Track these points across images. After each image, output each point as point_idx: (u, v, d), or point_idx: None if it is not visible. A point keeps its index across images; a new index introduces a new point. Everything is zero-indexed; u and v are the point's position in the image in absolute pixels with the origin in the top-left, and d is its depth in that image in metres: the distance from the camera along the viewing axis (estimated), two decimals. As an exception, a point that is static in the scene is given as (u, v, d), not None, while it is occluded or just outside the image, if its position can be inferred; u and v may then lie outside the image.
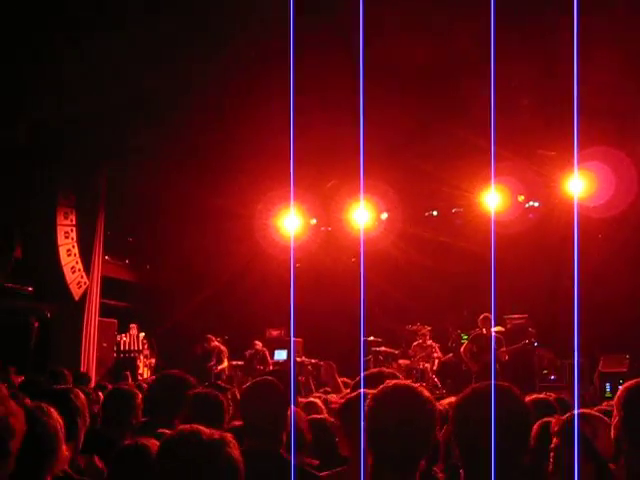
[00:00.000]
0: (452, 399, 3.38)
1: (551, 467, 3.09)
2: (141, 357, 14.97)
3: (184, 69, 10.22)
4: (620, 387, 2.96)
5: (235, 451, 2.20)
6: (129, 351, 14.98)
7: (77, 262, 13.65)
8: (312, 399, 6.06)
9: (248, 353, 14.65)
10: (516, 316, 13.79)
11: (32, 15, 8.96)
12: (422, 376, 13.35)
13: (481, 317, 12.36)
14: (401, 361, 14.06)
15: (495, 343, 12.00)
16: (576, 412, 3.54)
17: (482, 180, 13.52)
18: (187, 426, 2.27)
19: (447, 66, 10.24)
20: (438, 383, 13.42)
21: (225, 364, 14.40)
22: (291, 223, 15.06)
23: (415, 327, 14.22)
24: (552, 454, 3.13)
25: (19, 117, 11.51)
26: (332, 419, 4.36)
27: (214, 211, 14.86)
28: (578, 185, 12.30)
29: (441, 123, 11.57)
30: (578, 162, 11.85)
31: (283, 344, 15.03)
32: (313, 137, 10.40)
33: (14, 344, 12.06)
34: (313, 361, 14.17)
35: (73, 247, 13.62)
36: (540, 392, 7.70)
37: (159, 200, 14.65)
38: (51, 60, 9.83)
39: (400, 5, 8.91)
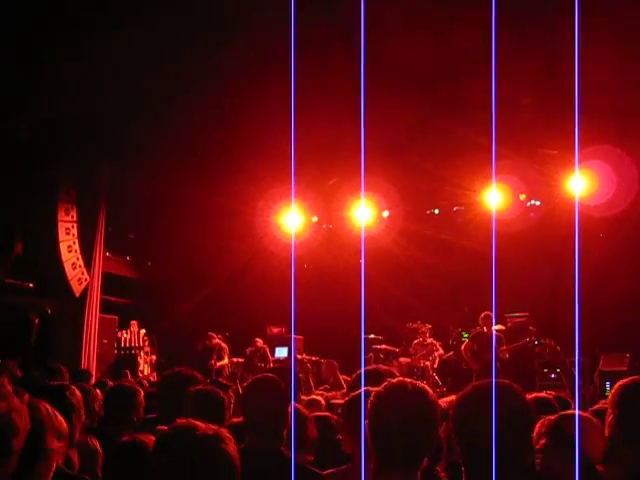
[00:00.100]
0: (453, 397, 3.39)
1: (539, 468, 3.08)
2: (141, 354, 14.98)
3: (184, 68, 10.22)
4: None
5: (230, 447, 2.19)
6: (130, 348, 15.00)
7: (78, 258, 13.66)
8: (314, 396, 6.07)
9: (249, 350, 14.65)
10: (517, 314, 13.80)
11: (32, 14, 8.96)
12: (423, 374, 13.36)
13: (482, 315, 12.36)
14: (402, 359, 14.07)
15: (496, 341, 12.01)
16: (577, 411, 3.54)
17: (483, 178, 13.52)
18: (183, 421, 2.25)
19: (448, 64, 10.24)
20: (439, 381, 13.43)
21: (225, 361, 14.41)
22: (292, 221, 15.06)
23: (416, 325, 14.22)
24: (540, 455, 3.13)
25: (20, 113, 11.51)
26: (334, 417, 4.37)
27: (215, 208, 14.86)
28: (579, 184, 12.29)
29: (442, 121, 11.57)
30: (579, 161, 11.85)
31: (284, 341, 15.03)
32: (314, 135, 10.40)
33: (15, 340, 12.07)
34: (314, 358, 14.18)
35: (74, 243, 13.63)
36: (540, 391, 7.71)
37: (160, 197, 14.64)
38: (51, 59, 9.83)
39: (401, 3, 8.90)
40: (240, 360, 14.89)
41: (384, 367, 4.06)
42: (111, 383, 6.99)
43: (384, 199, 14.84)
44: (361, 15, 4.79)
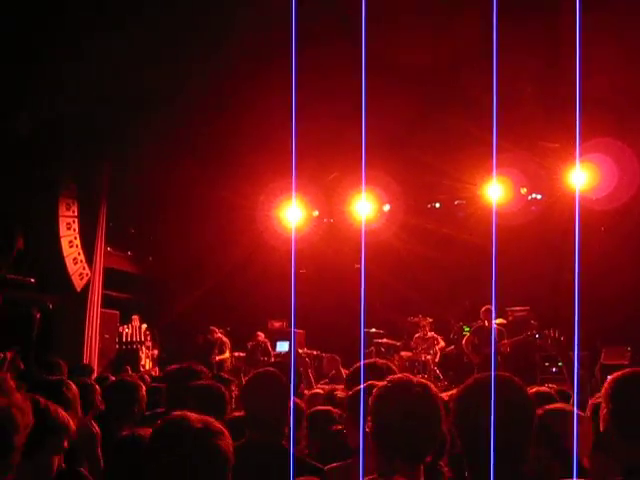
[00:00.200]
0: (454, 391, 3.39)
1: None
2: (143, 348, 14.99)
3: (184, 64, 10.21)
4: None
5: (222, 440, 2.17)
6: (131, 342, 15.00)
7: (79, 253, 13.67)
8: (317, 390, 6.07)
9: (250, 344, 14.67)
10: (518, 308, 13.80)
11: (32, 14, 8.96)
12: (424, 368, 13.37)
13: (483, 309, 12.37)
14: (403, 353, 14.08)
15: (497, 335, 12.01)
16: (575, 406, 3.53)
17: (484, 172, 13.51)
18: (177, 414, 2.24)
19: (449, 58, 10.22)
20: (440, 375, 13.45)
21: (226, 355, 14.42)
22: (293, 215, 15.06)
23: (417, 319, 14.23)
24: None
25: (21, 112, 11.51)
26: (338, 411, 4.37)
27: (216, 203, 14.85)
28: (580, 177, 12.27)
29: (443, 115, 11.56)
30: (580, 154, 11.83)
31: (285, 336, 15.04)
32: (314, 129, 10.38)
33: (16, 335, 12.07)
34: (315, 353, 14.19)
35: (75, 238, 13.64)
36: (541, 384, 7.71)
37: (161, 192, 14.64)
38: (51, 58, 9.82)
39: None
40: (242, 354, 14.91)
41: (382, 361, 4.07)
42: (113, 378, 6.99)
43: (385, 193, 14.83)
44: (362, 9, 4.77)
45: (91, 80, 10.33)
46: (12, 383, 2.29)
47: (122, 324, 14.97)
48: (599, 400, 3.30)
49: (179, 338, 15.47)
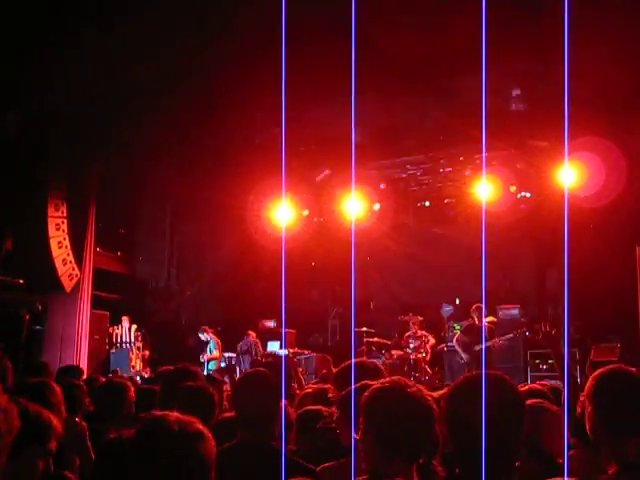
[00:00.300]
0: (445, 390, 3.39)
1: None
2: (133, 349, 14.94)
3: (173, 62, 10.19)
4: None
5: (202, 444, 2.12)
6: (121, 343, 14.96)
7: (68, 254, 13.61)
8: (308, 390, 6.05)
9: (241, 344, 14.65)
10: (508, 306, 13.84)
11: (19, 13, 8.91)
12: (415, 366, 13.38)
13: (473, 307, 12.39)
14: (394, 351, 14.08)
15: (487, 333, 12.03)
16: (566, 404, 3.53)
17: (474, 170, 13.54)
18: (156, 416, 2.20)
19: (439, 56, 10.23)
20: (431, 373, 13.46)
21: (216, 354, 14.41)
22: (283, 214, 15.04)
23: (407, 317, 14.24)
24: None
25: (9, 109, 11.46)
26: (328, 410, 4.36)
27: (205, 202, 14.83)
28: (569, 175, 12.32)
29: (433, 113, 11.58)
30: (569, 152, 11.88)
31: (276, 335, 15.02)
32: (304, 128, 10.39)
33: (5, 337, 12.02)
34: (306, 352, 14.18)
35: (64, 239, 13.58)
36: (532, 382, 7.74)
37: (150, 192, 14.62)
38: (40, 54, 9.78)
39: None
40: (232, 355, 14.89)
41: (369, 360, 4.08)
42: (103, 379, 6.96)
43: (375, 192, 14.84)
44: (352, 6, 4.77)
45: (80, 80, 10.30)
46: None
47: (112, 325, 14.92)
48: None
49: (169, 338, 15.44)
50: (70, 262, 13.62)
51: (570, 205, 10.01)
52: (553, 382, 6.33)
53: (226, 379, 8.01)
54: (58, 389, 3.91)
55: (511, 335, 12.30)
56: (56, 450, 2.93)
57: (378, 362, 4.54)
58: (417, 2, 9.06)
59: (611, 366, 2.89)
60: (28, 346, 12.50)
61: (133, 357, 14.78)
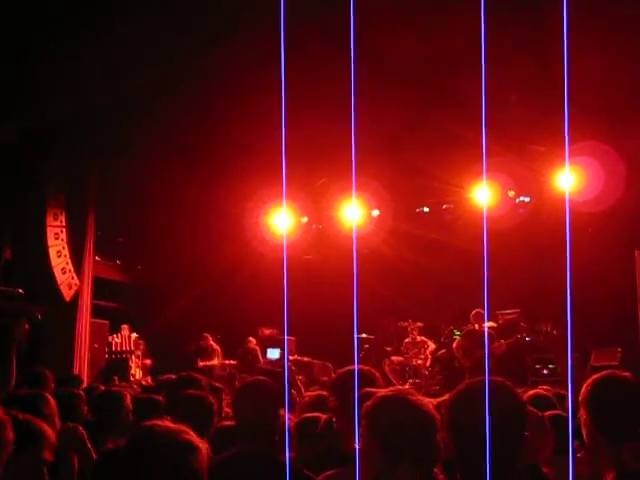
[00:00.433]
0: (446, 396, 3.37)
1: None
2: (133, 358, 14.91)
3: (172, 67, 10.18)
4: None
5: (193, 455, 2.07)
6: (121, 352, 14.93)
7: (67, 263, 13.59)
8: (307, 398, 6.03)
9: (241, 350, 14.65)
10: (508, 311, 13.82)
11: (18, 15, 8.90)
12: (415, 373, 13.37)
13: (473, 313, 12.39)
14: (394, 358, 14.07)
15: (487, 338, 12.02)
16: (570, 409, 3.51)
17: (472, 175, 13.53)
18: (146, 426, 2.16)
19: (437, 61, 10.23)
20: (431, 379, 13.44)
21: (215, 361, 14.39)
22: (282, 221, 15.03)
23: (406, 323, 14.24)
24: None
25: (7, 117, 11.45)
26: (329, 417, 4.33)
27: (204, 210, 14.82)
28: (569, 180, 12.32)
29: (431, 118, 11.57)
30: (568, 157, 11.87)
31: (275, 342, 15.00)
32: (303, 134, 10.36)
33: (5, 347, 11.98)
34: (306, 359, 14.16)
35: (63, 248, 13.56)
36: (533, 386, 7.71)
37: (149, 200, 14.60)
38: (40, 60, 9.77)
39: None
40: (232, 362, 14.86)
41: (366, 367, 4.06)
42: (102, 388, 6.95)
43: (373, 198, 14.83)
44: (350, 11, 4.76)
45: (78, 88, 10.28)
46: None
47: (112, 334, 14.89)
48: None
49: (169, 346, 15.40)
50: (69, 271, 13.60)
51: (569, 209, 10.01)
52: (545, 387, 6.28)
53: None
54: (52, 401, 3.89)
55: (512, 340, 12.29)
56: (52, 460, 2.91)
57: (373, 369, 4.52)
58: (416, 6, 9.05)
59: (605, 371, 2.89)
60: (27, 356, 12.46)
61: (133, 365, 14.76)
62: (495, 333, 12.48)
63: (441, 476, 2.79)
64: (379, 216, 15.11)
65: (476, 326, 12.26)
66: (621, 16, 8.96)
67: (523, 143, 12.90)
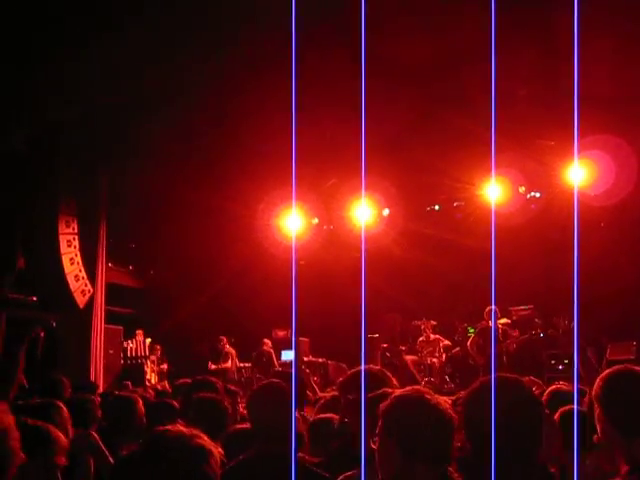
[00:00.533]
0: (461, 394, 3.36)
1: None
2: (148, 363, 14.96)
3: (183, 69, 10.19)
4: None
5: (205, 459, 2.05)
6: (136, 357, 14.98)
7: (80, 270, 13.64)
8: (322, 399, 6.03)
9: (255, 354, 14.66)
10: (522, 307, 13.77)
11: (27, 18, 8.92)
12: (430, 371, 13.34)
13: (487, 310, 12.35)
14: (408, 357, 14.04)
15: (502, 335, 11.98)
16: (575, 406, 3.49)
17: (483, 172, 13.49)
18: (159, 430, 2.14)
19: (446, 58, 10.19)
20: (447, 378, 13.41)
21: (228, 364, 14.42)
22: (293, 223, 15.04)
23: (419, 322, 14.21)
24: None
25: (17, 125, 11.50)
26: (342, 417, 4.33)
27: (216, 212, 14.85)
28: (579, 174, 12.26)
29: (441, 115, 11.54)
30: (578, 151, 11.82)
31: (290, 344, 15.01)
32: (313, 136, 10.37)
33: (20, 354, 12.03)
34: (320, 360, 14.16)
35: (76, 255, 13.61)
36: (549, 383, 7.68)
37: (160, 204, 14.64)
38: (50, 63, 9.79)
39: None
40: (247, 365, 14.89)
41: (376, 367, 4.06)
42: (117, 393, 6.98)
43: (384, 197, 14.81)
44: (361, 12, 4.75)
45: (88, 93, 10.30)
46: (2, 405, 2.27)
47: (126, 339, 14.94)
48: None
49: (184, 350, 15.45)
50: (82, 278, 13.65)
51: (580, 204, 9.96)
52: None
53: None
54: (64, 408, 3.90)
55: (526, 336, 12.25)
56: (66, 464, 2.93)
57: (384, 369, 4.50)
58: (425, 6, 9.03)
59: (618, 366, 2.87)
60: (43, 363, 12.52)
61: (148, 370, 14.80)
62: (510, 329, 12.44)
63: (456, 474, 2.78)
64: (390, 215, 15.09)
65: (490, 323, 12.22)
66: (632, 8, 8.90)
67: (533, 138, 12.84)
